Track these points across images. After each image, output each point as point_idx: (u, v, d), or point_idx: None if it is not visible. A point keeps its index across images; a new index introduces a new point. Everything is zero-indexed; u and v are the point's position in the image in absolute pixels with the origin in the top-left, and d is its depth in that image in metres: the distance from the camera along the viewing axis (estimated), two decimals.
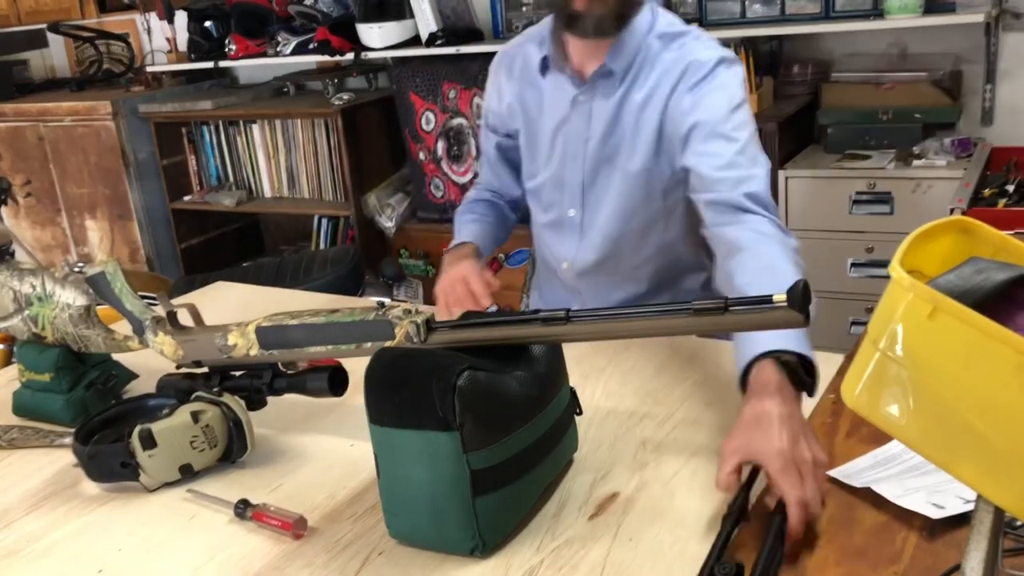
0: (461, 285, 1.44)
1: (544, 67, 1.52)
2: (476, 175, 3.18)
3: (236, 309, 1.73)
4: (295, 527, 1.00)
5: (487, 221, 1.68)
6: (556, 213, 1.58)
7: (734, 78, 1.40)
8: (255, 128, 3.65)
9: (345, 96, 3.39)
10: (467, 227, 1.65)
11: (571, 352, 1.10)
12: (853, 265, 2.64)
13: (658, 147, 1.44)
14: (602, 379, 1.31)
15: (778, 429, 0.94)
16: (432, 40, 3.14)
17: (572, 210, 1.55)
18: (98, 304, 1.31)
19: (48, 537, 1.06)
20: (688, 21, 2.76)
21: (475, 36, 3.22)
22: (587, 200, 1.53)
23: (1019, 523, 0.85)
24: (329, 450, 1.19)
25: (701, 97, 1.38)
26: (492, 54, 1.69)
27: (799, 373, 1.02)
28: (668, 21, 1.48)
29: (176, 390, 1.17)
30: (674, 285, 1.60)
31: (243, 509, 1.03)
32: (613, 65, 1.44)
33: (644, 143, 1.45)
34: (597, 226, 1.53)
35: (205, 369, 1.21)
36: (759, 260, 1.21)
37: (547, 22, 1.52)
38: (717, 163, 1.34)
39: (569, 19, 1.39)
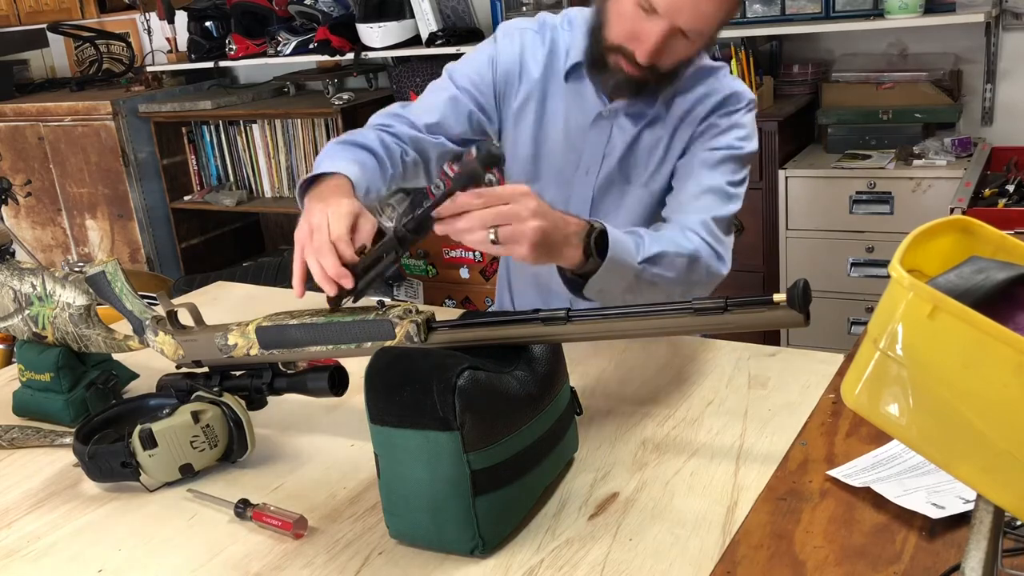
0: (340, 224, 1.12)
1: (569, 74, 1.44)
2: None
3: (236, 309, 1.73)
4: (295, 527, 1.00)
5: (372, 171, 1.35)
6: None
7: (754, 124, 1.44)
8: (255, 128, 3.65)
9: (345, 96, 3.39)
10: (344, 164, 1.30)
11: (571, 352, 1.10)
12: (853, 265, 2.64)
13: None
14: (602, 379, 1.31)
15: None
16: (432, 40, 3.14)
17: None
18: (98, 304, 1.31)
19: (48, 537, 1.06)
20: None
21: (475, 36, 3.22)
22: (595, 215, 1.47)
23: (1019, 523, 0.85)
24: (329, 450, 1.19)
25: (729, 129, 1.40)
26: None
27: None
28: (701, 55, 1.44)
29: (176, 390, 1.17)
30: None
31: (243, 509, 1.03)
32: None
33: (669, 167, 1.43)
34: None
35: (205, 369, 1.21)
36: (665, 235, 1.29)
37: (578, 22, 1.43)
38: (699, 210, 1.36)
39: (599, 67, 1.35)
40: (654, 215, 1.45)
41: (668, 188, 1.44)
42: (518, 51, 1.47)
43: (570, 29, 1.45)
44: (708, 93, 1.40)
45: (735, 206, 1.40)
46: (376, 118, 1.48)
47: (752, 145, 1.42)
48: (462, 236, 1.05)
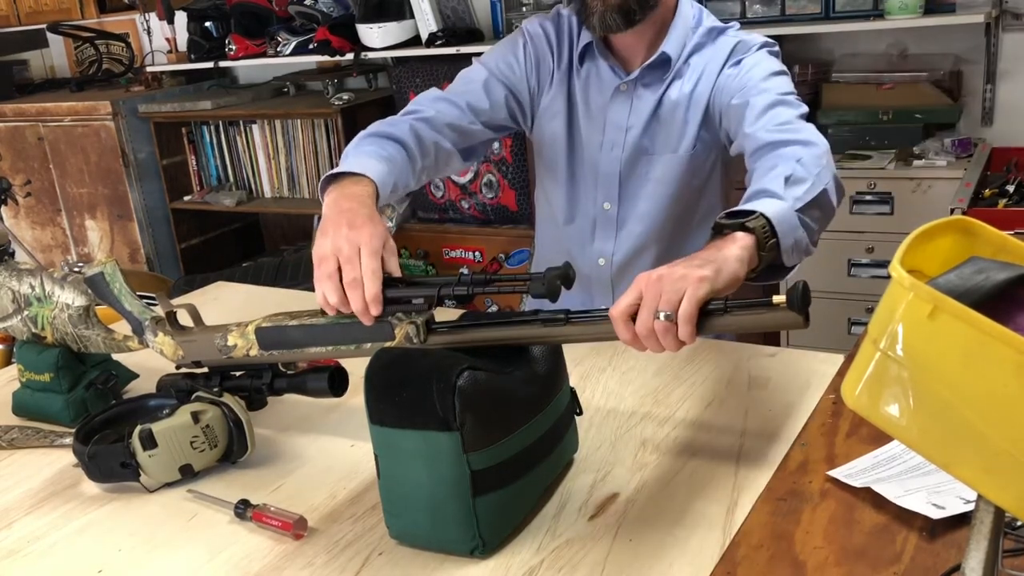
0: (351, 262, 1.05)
1: (583, 57, 1.50)
2: (476, 175, 3.18)
3: (236, 309, 1.73)
4: (295, 527, 1.00)
5: (401, 165, 1.32)
6: (590, 209, 1.55)
7: (776, 57, 1.46)
8: (255, 128, 3.65)
9: (345, 96, 3.39)
10: (370, 162, 1.25)
11: (571, 352, 1.10)
12: (853, 265, 2.64)
13: (706, 127, 1.46)
14: (602, 379, 1.31)
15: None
16: (432, 40, 3.14)
17: (608, 203, 1.53)
18: (97, 304, 1.31)
19: (48, 537, 1.06)
20: None
21: (475, 36, 3.22)
22: (624, 192, 1.51)
23: (1019, 523, 0.85)
24: (329, 450, 1.19)
25: (747, 67, 1.42)
26: None
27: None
28: (712, 18, 1.52)
29: (176, 390, 1.17)
30: None
31: (243, 509, 1.03)
32: (669, 51, 1.45)
33: (693, 128, 1.46)
34: (635, 216, 1.52)
35: (205, 369, 1.21)
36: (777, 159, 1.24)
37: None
38: (769, 126, 1.31)
39: (583, 10, 1.41)
40: (684, 183, 1.48)
41: (691, 151, 1.46)
42: (545, 41, 1.51)
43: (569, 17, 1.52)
44: (718, 49, 1.45)
45: (803, 107, 1.37)
46: (413, 104, 1.46)
47: (778, 63, 1.44)
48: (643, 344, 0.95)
